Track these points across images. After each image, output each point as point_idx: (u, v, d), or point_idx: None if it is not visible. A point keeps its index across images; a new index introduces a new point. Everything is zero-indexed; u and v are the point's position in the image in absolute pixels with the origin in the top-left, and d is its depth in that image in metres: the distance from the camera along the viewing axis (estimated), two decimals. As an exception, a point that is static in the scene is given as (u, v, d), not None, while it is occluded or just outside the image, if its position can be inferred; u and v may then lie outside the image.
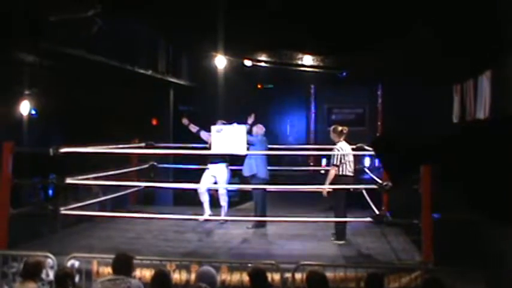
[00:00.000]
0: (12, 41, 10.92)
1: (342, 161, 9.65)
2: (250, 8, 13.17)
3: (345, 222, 9.80)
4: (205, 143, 11.15)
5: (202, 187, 11.07)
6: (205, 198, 11.15)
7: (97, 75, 13.41)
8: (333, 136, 10.04)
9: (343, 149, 9.80)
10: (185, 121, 11.52)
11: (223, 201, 11.13)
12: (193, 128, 11.41)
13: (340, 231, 9.68)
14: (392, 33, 13.36)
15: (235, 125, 10.47)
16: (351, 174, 9.77)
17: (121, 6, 12.25)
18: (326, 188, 9.64)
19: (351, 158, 9.84)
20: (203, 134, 11.27)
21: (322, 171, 9.84)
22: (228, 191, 11.35)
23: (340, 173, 9.62)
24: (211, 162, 11.11)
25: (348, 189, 9.74)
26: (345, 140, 9.95)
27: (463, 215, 7.55)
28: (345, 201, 9.68)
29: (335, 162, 9.62)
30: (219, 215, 11.10)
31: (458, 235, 9.29)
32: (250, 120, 10.68)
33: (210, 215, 11.08)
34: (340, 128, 10.05)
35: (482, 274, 7.58)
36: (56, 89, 13.25)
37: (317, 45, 17.24)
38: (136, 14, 12.87)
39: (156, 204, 13.41)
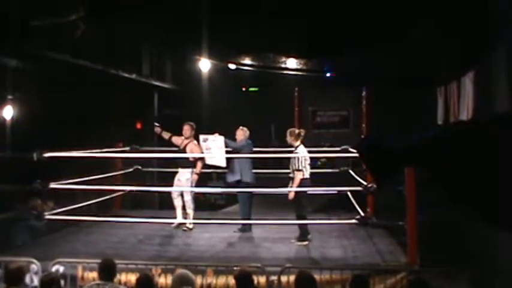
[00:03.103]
0: (-5, 45, 10.85)
1: (303, 164, 9.66)
2: (234, 11, 13.18)
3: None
4: (178, 147, 11.04)
5: (175, 192, 10.97)
6: (178, 203, 11.01)
7: (81, 79, 13.34)
8: (290, 140, 9.95)
9: (303, 152, 9.80)
10: (157, 130, 11.41)
11: (188, 208, 10.82)
12: (166, 135, 11.27)
13: (303, 233, 9.71)
14: (377, 35, 13.41)
15: (216, 135, 10.48)
16: (309, 176, 9.81)
17: (104, 10, 12.21)
18: (293, 190, 9.62)
19: (309, 161, 9.86)
20: (175, 140, 11.18)
21: (307, 176, 9.77)
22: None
23: (303, 176, 9.64)
24: (179, 166, 11.00)
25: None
26: (302, 142, 9.95)
27: (447, 216, 7.60)
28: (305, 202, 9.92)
29: (299, 167, 9.60)
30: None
31: (444, 236, 9.34)
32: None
33: (182, 221, 10.89)
34: (297, 131, 10.02)
35: (467, 275, 7.62)
36: (39, 94, 13.17)
37: (301, 48, 17.30)
38: (120, 18, 12.84)
39: (141, 208, 13.35)
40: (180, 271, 6.28)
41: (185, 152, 10.69)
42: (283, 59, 19.00)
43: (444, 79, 11.77)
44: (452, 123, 11.13)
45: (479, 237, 8.24)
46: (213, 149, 10.53)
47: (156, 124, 11.48)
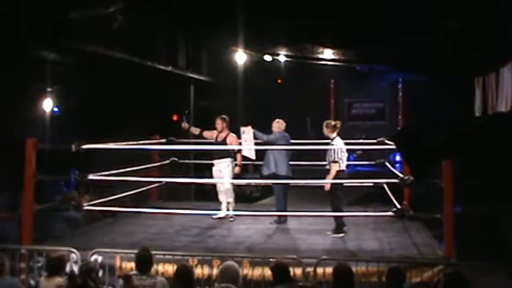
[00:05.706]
0: (35, 39, 11.01)
1: (340, 156, 9.61)
2: (269, 2, 13.18)
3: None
4: (214, 140, 11.05)
5: (221, 186, 10.95)
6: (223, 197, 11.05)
7: (118, 71, 13.48)
8: (326, 131, 9.92)
9: (339, 144, 9.77)
10: (185, 125, 11.45)
11: (229, 197, 10.91)
12: (196, 131, 11.34)
13: (338, 225, 9.70)
14: (414, 27, 13.29)
15: (249, 127, 10.51)
16: (345, 168, 9.79)
17: (142, 2, 12.32)
18: (328, 182, 9.59)
19: (346, 153, 9.84)
20: (206, 133, 11.24)
21: (343, 168, 9.72)
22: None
23: (339, 168, 9.60)
24: (215, 158, 11.01)
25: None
26: (338, 134, 9.90)
27: (485, 209, 7.52)
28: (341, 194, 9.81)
29: (335, 159, 9.57)
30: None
31: (481, 229, 9.25)
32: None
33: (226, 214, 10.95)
34: (333, 123, 9.98)
35: (504, 268, 7.54)
36: (77, 86, 13.36)
37: (337, 38, 17.21)
38: (157, 10, 12.93)
39: (178, 200, 13.43)
40: (226, 263, 6.32)
41: (224, 144, 10.74)
42: (320, 49, 18.93)
43: (482, 70, 11.63)
44: (490, 115, 11.00)
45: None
46: (247, 141, 10.58)
47: (184, 119, 11.56)
